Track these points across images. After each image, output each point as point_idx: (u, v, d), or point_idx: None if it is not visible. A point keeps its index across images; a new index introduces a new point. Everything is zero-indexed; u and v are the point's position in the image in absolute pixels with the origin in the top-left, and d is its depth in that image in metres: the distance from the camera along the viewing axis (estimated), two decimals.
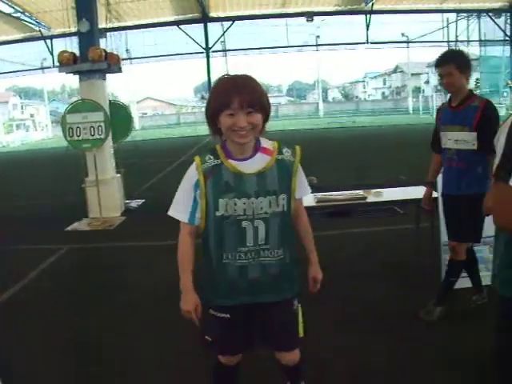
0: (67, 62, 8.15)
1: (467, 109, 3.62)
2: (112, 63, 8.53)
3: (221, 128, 2.05)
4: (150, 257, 6.19)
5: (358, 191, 5.00)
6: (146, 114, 71.29)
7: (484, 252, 4.59)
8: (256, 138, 2.12)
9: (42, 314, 4.51)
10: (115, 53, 8.88)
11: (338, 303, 4.23)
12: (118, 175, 9.15)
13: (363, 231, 6.35)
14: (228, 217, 2.10)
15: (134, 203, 9.73)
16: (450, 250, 3.92)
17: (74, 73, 8.54)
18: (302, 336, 2.37)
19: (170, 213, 2.24)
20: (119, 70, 8.88)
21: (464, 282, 4.22)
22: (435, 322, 3.86)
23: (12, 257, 6.48)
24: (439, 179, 4.11)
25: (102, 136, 8.19)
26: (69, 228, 8.04)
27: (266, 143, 2.16)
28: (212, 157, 2.12)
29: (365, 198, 4.85)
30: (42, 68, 35.34)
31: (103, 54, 8.13)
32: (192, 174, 2.13)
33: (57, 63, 8.63)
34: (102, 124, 8.16)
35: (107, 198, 8.46)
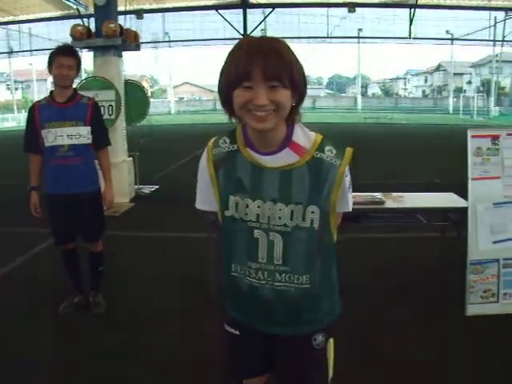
0: (80, 37, 7.71)
1: (78, 105, 3.74)
2: (129, 40, 8.05)
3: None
4: (150, 248, 5.82)
5: (375, 194, 4.37)
6: (182, 98, 71.62)
7: None
8: (288, 126, 1.57)
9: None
10: (133, 29, 8.39)
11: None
12: (130, 159, 8.69)
13: (378, 237, 5.64)
14: (238, 220, 1.61)
15: (147, 189, 9.30)
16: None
17: (89, 49, 8.12)
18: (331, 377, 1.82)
19: (197, 206, 1.79)
20: (137, 48, 8.41)
21: None
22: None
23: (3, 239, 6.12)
24: None
25: (113, 116, 7.72)
26: None
27: (301, 136, 1.59)
28: (228, 140, 1.64)
29: (382, 202, 4.21)
30: (79, 47, 35.38)
31: (118, 29, 7.65)
32: (203, 163, 1.68)
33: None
34: (113, 103, 7.69)
35: (116, 182, 7.82)
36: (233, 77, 1.45)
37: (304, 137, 1.59)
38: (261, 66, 1.41)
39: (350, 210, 1.70)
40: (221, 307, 1.85)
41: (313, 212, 1.56)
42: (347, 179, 1.61)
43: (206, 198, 1.72)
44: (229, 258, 1.69)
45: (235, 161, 1.60)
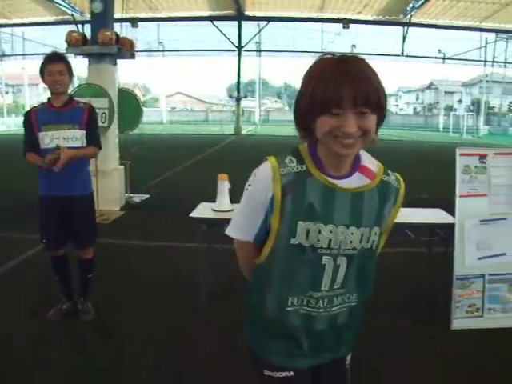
0: (75, 43, 7.73)
1: (75, 109, 3.83)
2: (125, 48, 8.10)
3: (315, 131, 1.45)
4: (140, 256, 5.84)
5: None
6: (175, 108, 71.68)
7: (501, 290, 4.04)
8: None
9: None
10: (129, 38, 8.45)
11: None
12: (121, 167, 8.71)
13: None
14: (307, 248, 1.50)
15: (137, 198, 9.30)
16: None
17: (84, 55, 8.15)
18: None
19: (229, 232, 1.67)
20: (132, 57, 8.44)
21: None
22: None
23: None
24: None
25: (106, 124, 7.73)
26: None
27: (367, 161, 1.57)
28: (295, 160, 1.51)
29: None
30: (74, 53, 35.29)
31: (114, 37, 7.70)
32: (264, 185, 1.50)
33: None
34: (106, 111, 7.71)
35: (106, 190, 7.94)
36: (319, 103, 1.38)
37: (370, 161, 1.58)
38: (352, 94, 1.35)
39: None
40: (256, 358, 1.72)
41: (375, 233, 1.55)
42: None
43: (251, 226, 1.60)
44: (285, 291, 1.58)
45: (305, 184, 1.48)
